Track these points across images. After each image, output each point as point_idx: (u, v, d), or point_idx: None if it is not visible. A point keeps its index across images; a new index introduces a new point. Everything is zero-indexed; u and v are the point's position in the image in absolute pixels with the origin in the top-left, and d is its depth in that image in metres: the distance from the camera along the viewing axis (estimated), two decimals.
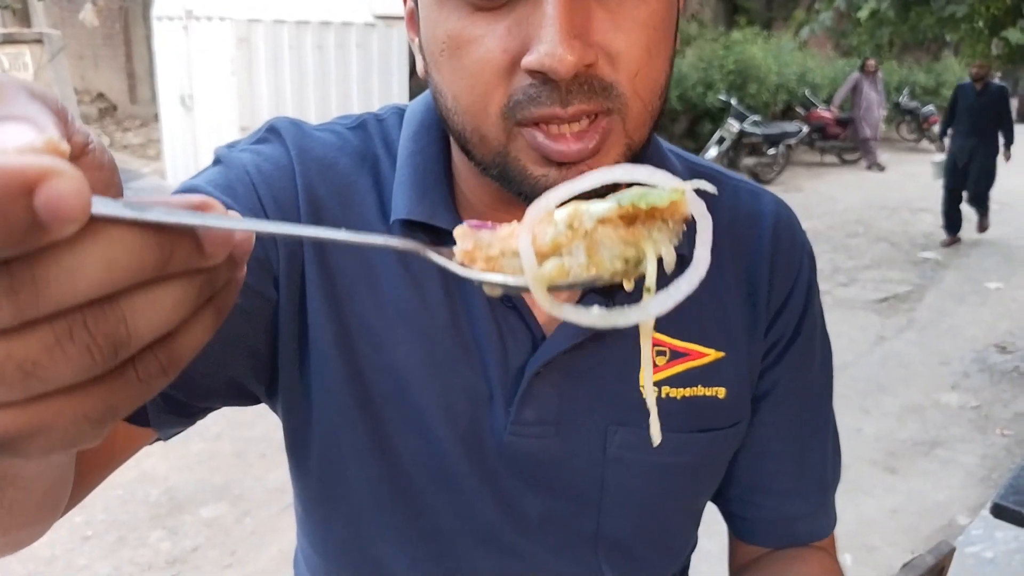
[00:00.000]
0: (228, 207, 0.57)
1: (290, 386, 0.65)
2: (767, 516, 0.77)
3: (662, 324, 0.66)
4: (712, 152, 9.90)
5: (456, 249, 0.35)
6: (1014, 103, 10.27)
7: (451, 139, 0.62)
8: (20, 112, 0.25)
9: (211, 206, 0.27)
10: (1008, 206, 9.66)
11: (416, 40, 0.59)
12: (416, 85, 7.33)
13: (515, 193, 0.56)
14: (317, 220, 0.62)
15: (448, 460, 0.65)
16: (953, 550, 1.38)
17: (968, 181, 7.58)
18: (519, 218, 0.58)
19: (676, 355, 0.66)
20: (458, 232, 0.36)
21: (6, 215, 0.21)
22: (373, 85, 6.47)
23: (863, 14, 4.83)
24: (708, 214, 0.37)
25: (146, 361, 0.26)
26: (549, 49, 0.48)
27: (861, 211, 9.19)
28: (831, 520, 0.80)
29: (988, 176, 7.63)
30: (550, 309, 0.35)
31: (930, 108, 13.80)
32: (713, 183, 0.69)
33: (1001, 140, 7.53)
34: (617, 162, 0.54)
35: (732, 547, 0.82)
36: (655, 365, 0.65)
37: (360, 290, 0.63)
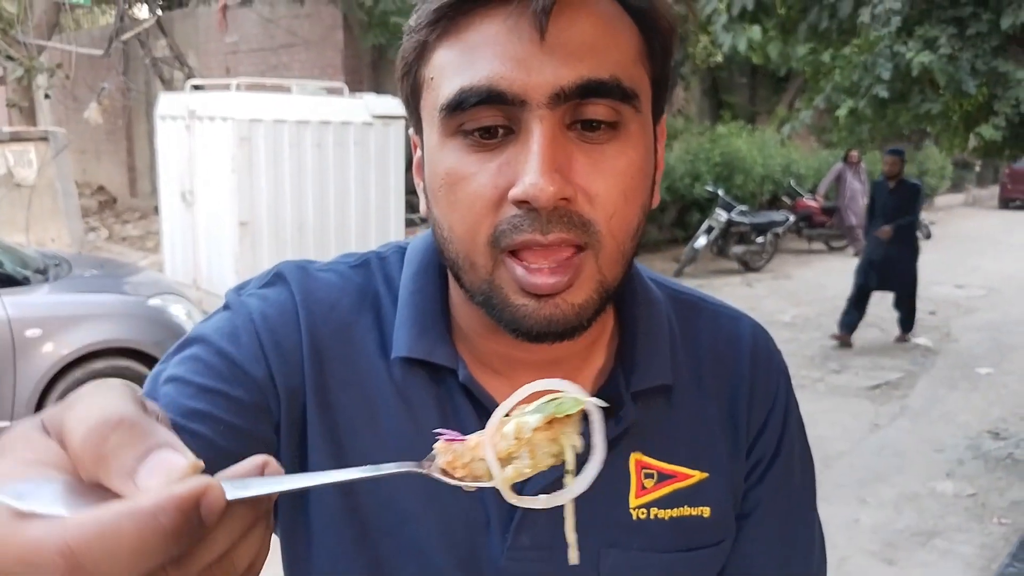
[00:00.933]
0: (232, 359, 0.63)
1: (291, 524, 0.68)
2: None
3: (650, 448, 0.69)
4: (701, 241, 10.08)
5: (437, 462, 0.48)
6: (994, 191, 10.59)
7: (448, 271, 0.67)
8: (163, 440, 0.34)
9: (270, 464, 0.37)
10: (996, 291, 9.81)
11: (421, 184, 0.65)
12: (410, 180, 7.52)
13: (497, 321, 0.59)
14: (319, 360, 0.65)
15: None
16: None
17: (892, 285, 7.27)
18: (505, 345, 0.65)
19: (663, 477, 0.69)
20: (438, 447, 0.48)
21: (190, 525, 0.32)
22: (370, 181, 6.63)
23: (841, 112, 5.02)
24: (601, 415, 0.48)
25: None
26: (532, 180, 0.53)
27: None
28: None
29: (909, 280, 7.25)
30: (514, 502, 0.48)
31: None
32: (693, 311, 0.76)
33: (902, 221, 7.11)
34: (590, 296, 0.58)
35: None
36: (643, 488, 0.68)
37: (359, 425, 0.65)
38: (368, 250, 0.75)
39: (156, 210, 9.34)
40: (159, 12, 10.05)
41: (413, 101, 0.63)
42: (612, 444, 0.67)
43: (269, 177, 6.07)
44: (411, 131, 0.67)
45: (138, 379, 4.77)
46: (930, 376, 6.54)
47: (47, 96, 9.48)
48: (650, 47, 0.60)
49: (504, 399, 0.65)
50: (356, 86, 9.38)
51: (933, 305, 8.96)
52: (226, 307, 0.68)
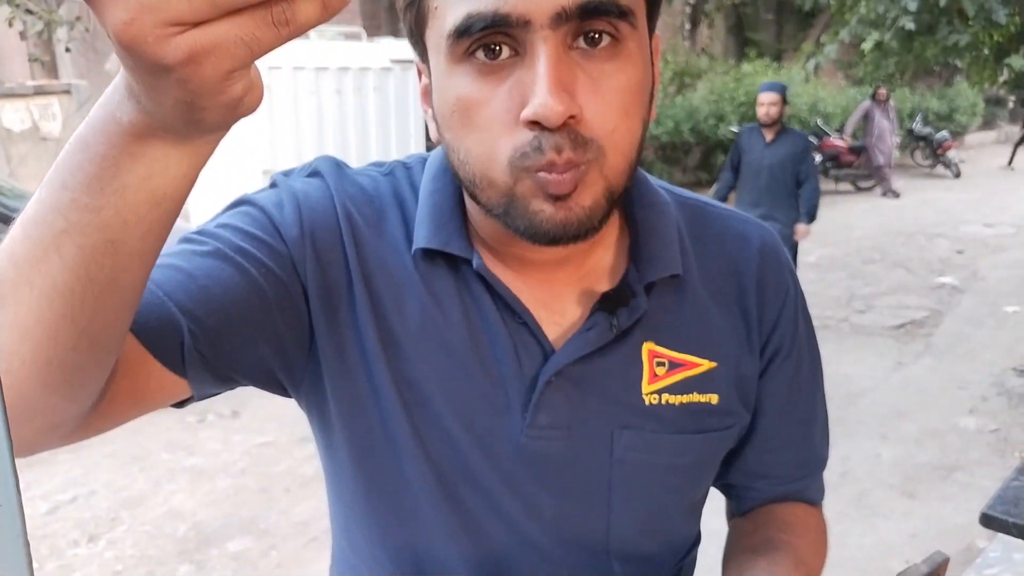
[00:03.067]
0: (274, 219, 0.69)
1: (342, 393, 0.72)
2: (766, 495, 0.87)
3: (661, 338, 0.74)
4: None
5: None
6: (1016, 129, 10.28)
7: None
8: None
9: None
10: None
11: (429, 111, 0.69)
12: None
13: (515, 230, 0.64)
14: (356, 244, 0.71)
15: (470, 461, 0.72)
16: (947, 560, 1.44)
17: None
18: (517, 247, 0.70)
19: (674, 365, 0.74)
20: None
21: None
22: (390, 126, 6.62)
23: (867, 46, 4.90)
24: None
25: (279, 7, 0.36)
26: (541, 100, 0.57)
27: (877, 238, 9.21)
28: (821, 492, 0.90)
29: None
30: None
31: (944, 134, 13.82)
32: (701, 215, 0.80)
33: (801, 209, 5.29)
34: (597, 200, 0.63)
35: (728, 507, 0.92)
36: (656, 375, 0.73)
37: (391, 308, 0.71)
38: (395, 159, 0.81)
39: None
40: None
41: (417, 31, 0.65)
42: (626, 333, 0.72)
43: (290, 125, 6.09)
44: (417, 60, 0.70)
45: None
46: (956, 315, 6.50)
47: (68, 49, 9.51)
48: None
49: (518, 291, 0.71)
50: (374, 31, 9.29)
51: (961, 244, 8.85)
52: (273, 184, 0.75)
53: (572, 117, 0.59)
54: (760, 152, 5.12)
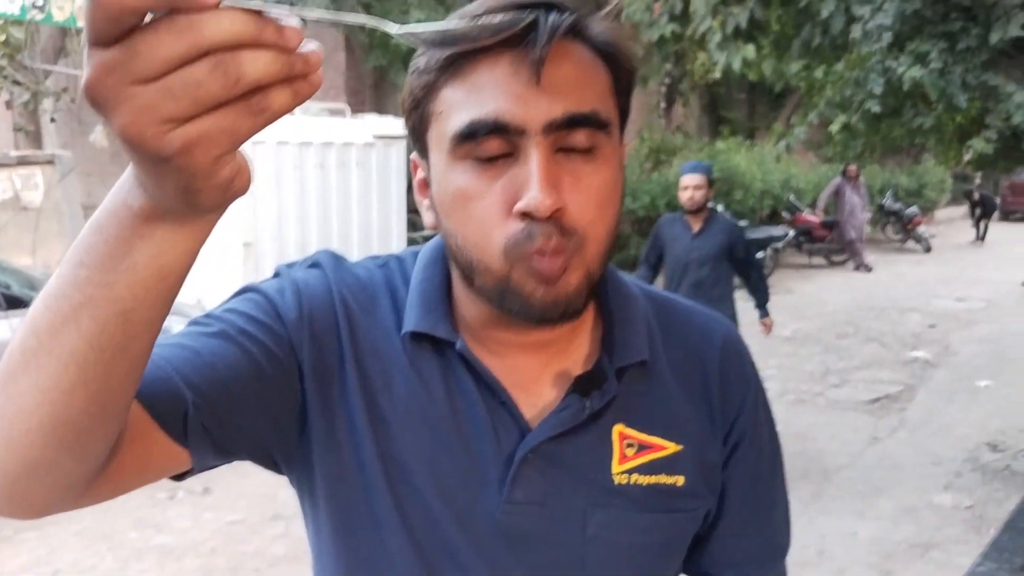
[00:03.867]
0: (275, 304, 0.75)
1: (328, 468, 0.77)
2: None
3: (631, 420, 0.79)
4: None
5: None
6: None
7: (453, 273, 0.78)
8: None
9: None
10: (996, 304, 9.84)
11: (426, 201, 0.76)
12: (412, 199, 7.60)
13: (509, 311, 0.71)
14: (351, 328, 0.77)
15: (449, 535, 0.76)
16: None
17: None
18: (502, 330, 0.76)
19: (642, 447, 0.79)
20: None
21: None
22: (372, 200, 6.71)
23: (835, 127, 5.09)
24: None
25: (254, 100, 0.42)
26: (534, 195, 0.65)
27: (850, 312, 9.35)
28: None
29: None
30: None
31: (914, 209, 14.20)
32: (668, 308, 0.86)
33: (754, 302, 4.88)
34: (581, 281, 0.70)
35: None
36: (625, 456, 0.78)
37: (380, 388, 0.76)
38: (389, 254, 0.88)
39: None
40: None
41: (420, 130, 0.73)
42: (598, 415, 0.77)
43: (272, 198, 6.15)
44: (414, 155, 0.77)
45: None
46: (929, 389, 6.57)
47: (53, 120, 9.60)
48: (617, 84, 0.73)
49: (498, 372, 0.76)
50: (358, 107, 9.49)
51: (933, 319, 9.00)
52: (277, 274, 0.81)
53: (558, 210, 0.67)
54: (686, 245, 4.37)
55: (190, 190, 0.45)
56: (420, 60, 0.71)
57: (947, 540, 4.06)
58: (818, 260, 12.67)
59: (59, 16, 8.44)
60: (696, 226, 4.38)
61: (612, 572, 0.79)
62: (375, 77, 10.60)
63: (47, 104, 8.94)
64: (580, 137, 0.68)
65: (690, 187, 4.27)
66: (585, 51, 0.70)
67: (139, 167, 0.45)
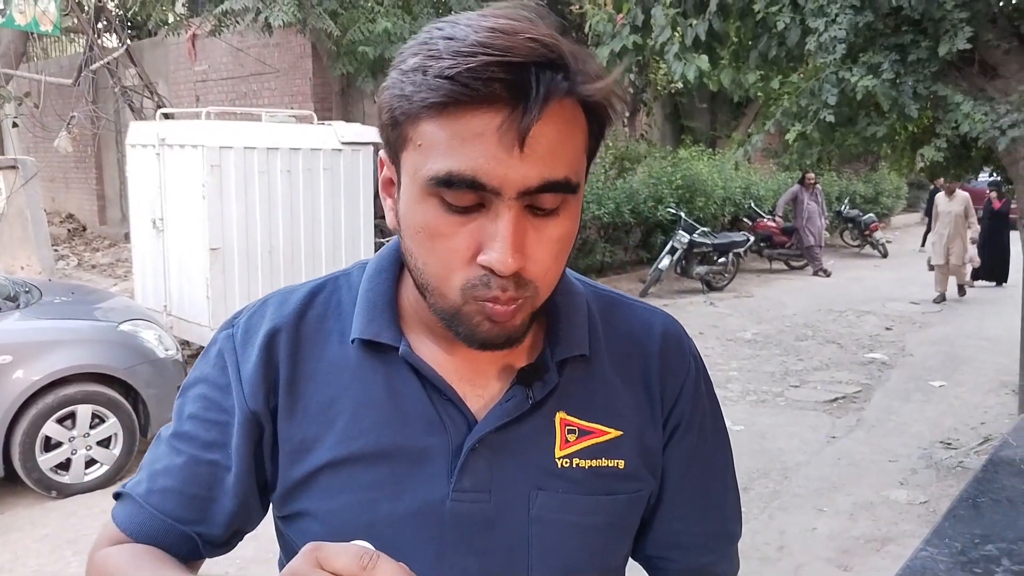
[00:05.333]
0: (221, 399, 0.84)
1: (282, 497, 0.85)
2: (682, 567, 0.95)
3: (572, 408, 0.83)
4: (665, 262, 10.30)
5: None
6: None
7: (407, 278, 0.83)
8: None
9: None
10: (949, 306, 10.13)
11: (389, 200, 0.79)
12: (379, 205, 7.62)
13: (454, 333, 0.75)
14: (292, 362, 0.84)
15: (400, 527, 0.81)
16: None
17: None
18: (455, 340, 0.81)
19: (583, 433, 0.84)
20: None
21: None
22: (340, 206, 6.73)
23: (791, 136, 5.23)
24: None
25: None
26: (499, 257, 0.69)
27: (809, 315, 9.55)
28: (736, 565, 0.98)
29: None
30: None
31: (871, 216, 14.54)
32: (612, 303, 0.94)
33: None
34: (526, 319, 0.75)
35: None
36: (567, 441, 0.83)
37: (319, 402, 0.83)
38: (339, 270, 0.93)
39: (126, 238, 9.34)
40: (128, 41, 10.10)
41: (394, 145, 0.74)
42: (540, 404, 0.83)
43: (240, 203, 6.15)
44: (382, 153, 0.78)
45: (108, 404, 4.76)
46: (885, 389, 6.76)
47: (15, 125, 9.46)
48: (592, 130, 0.74)
49: (445, 371, 0.82)
50: (325, 114, 9.50)
51: (889, 321, 9.25)
52: (219, 352, 0.87)
53: (520, 269, 0.71)
54: None
55: None
56: (406, 84, 0.69)
57: (903, 535, 4.20)
58: (778, 265, 12.92)
59: (20, 20, 8.33)
60: None
61: (558, 552, 0.83)
62: (342, 84, 10.60)
63: (9, 108, 8.81)
64: (549, 199, 0.70)
65: None
66: (570, 106, 0.70)
67: None
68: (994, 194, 11.24)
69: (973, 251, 10.55)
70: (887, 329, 8.91)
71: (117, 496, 0.89)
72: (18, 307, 4.80)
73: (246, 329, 0.86)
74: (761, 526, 4.21)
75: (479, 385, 0.82)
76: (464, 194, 0.69)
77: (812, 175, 12.31)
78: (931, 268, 10.59)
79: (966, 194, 10.49)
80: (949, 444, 5.48)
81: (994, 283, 11.36)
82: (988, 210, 11.36)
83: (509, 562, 0.82)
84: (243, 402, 0.82)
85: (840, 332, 8.74)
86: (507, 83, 0.66)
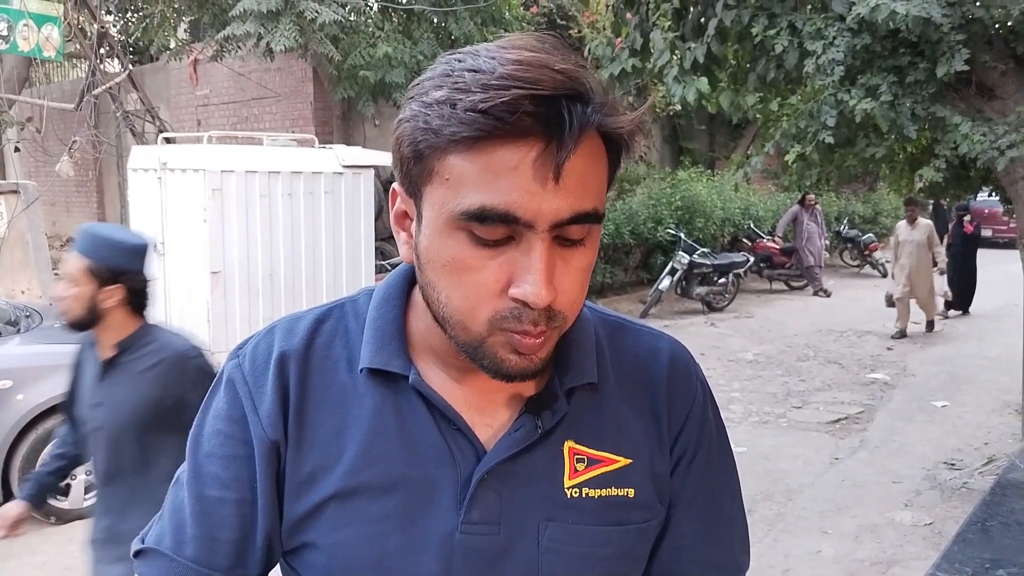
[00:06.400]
0: (235, 433, 0.82)
1: (292, 526, 0.83)
2: None
3: (581, 437, 0.83)
4: (665, 283, 10.31)
5: None
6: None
7: (419, 307, 0.82)
8: None
9: None
10: (951, 326, 10.12)
11: (403, 234, 0.78)
12: (382, 227, 7.64)
13: (479, 365, 0.75)
14: (301, 391, 0.82)
15: (409, 560, 0.80)
16: None
17: None
18: (462, 364, 0.80)
19: (592, 462, 0.83)
20: None
21: None
22: (341, 229, 6.74)
23: (790, 157, 5.25)
24: None
25: None
26: (534, 290, 0.69)
27: (810, 335, 9.54)
28: None
29: None
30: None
31: (870, 236, 14.56)
32: (619, 330, 0.93)
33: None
34: (551, 350, 0.75)
35: None
36: (576, 471, 0.82)
37: (326, 434, 0.81)
38: (346, 296, 0.92)
39: None
40: (130, 67, 10.18)
41: (415, 179, 0.72)
42: (549, 433, 0.82)
43: (241, 227, 6.16)
44: (396, 186, 0.77)
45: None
46: (888, 410, 6.74)
47: (17, 149, 9.50)
48: (612, 162, 0.75)
49: (454, 400, 0.81)
50: (326, 138, 9.55)
51: (890, 341, 9.23)
52: (229, 380, 0.85)
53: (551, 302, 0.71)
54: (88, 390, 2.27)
55: None
56: (432, 117, 0.68)
57: (908, 557, 4.17)
58: (778, 285, 12.93)
59: (24, 46, 8.40)
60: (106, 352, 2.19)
61: None
62: (343, 108, 10.67)
63: (11, 133, 8.85)
64: (577, 231, 0.71)
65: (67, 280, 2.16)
66: (595, 138, 0.71)
67: None
68: (967, 218, 10.56)
69: (942, 282, 9.80)
70: (888, 349, 8.90)
71: (139, 553, 0.86)
72: (19, 331, 4.80)
73: (253, 358, 0.84)
74: (766, 549, 4.19)
75: (488, 414, 0.82)
76: (496, 228, 0.69)
77: (812, 196, 12.35)
78: (890, 303, 9.63)
79: (929, 222, 9.78)
80: (953, 465, 5.46)
81: (960, 312, 10.70)
82: (958, 235, 10.62)
83: None
84: (261, 432, 0.81)
85: (841, 352, 8.72)
86: (538, 116, 0.66)
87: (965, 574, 1.83)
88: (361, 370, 0.81)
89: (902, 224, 9.78)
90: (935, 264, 9.44)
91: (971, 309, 10.73)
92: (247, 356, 0.85)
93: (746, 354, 8.48)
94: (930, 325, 9.74)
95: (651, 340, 0.91)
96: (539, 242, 0.69)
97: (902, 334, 9.45)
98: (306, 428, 0.82)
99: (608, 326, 0.90)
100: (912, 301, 9.44)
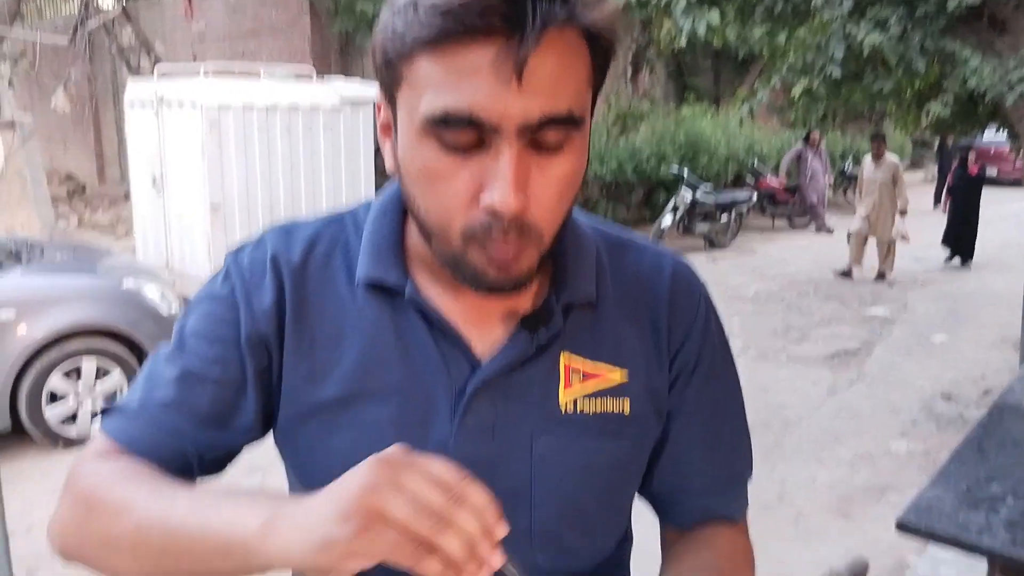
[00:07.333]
0: (227, 315, 0.81)
1: (286, 426, 0.84)
2: (688, 508, 0.93)
3: (577, 349, 0.82)
4: (667, 219, 10.27)
5: None
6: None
7: (410, 220, 0.81)
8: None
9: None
10: (952, 264, 10.11)
11: (387, 144, 0.78)
12: (381, 162, 7.59)
13: (459, 278, 0.74)
14: (299, 299, 0.82)
15: None
16: (867, 564, 1.56)
17: None
18: (460, 284, 0.80)
19: (587, 376, 0.82)
20: None
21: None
22: (340, 164, 6.70)
23: (797, 92, 5.19)
24: None
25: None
26: (501, 197, 0.66)
27: (811, 272, 9.54)
28: (743, 506, 0.96)
29: None
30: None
31: None
32: (621, 248, 0.92)
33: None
34: (532, 263, 0.73)
35: (661, 526, 0.97)
36: (570, 383, 0.82)
37: (327, 345, 0.81)
38: (346, 208, 0.91)
39: (126, 197, 9.32)
40: (124, 1, 9.98)
41: (390, 85, 0.72)
42: (545, 348, 0.81)
43: (240, 161, 6.12)
44: (379, 95, 0.76)
45: (113, 357, 4.76)
46: (887, 344, 6.78)
47: (11, 84, 9.37)
48: (596, 64, 0.71)
49: (450, 314, 0.81)
50: (324, 72, 9.41)
51: (891, 277, 9.24)
52: (226, 272, 0.85)
53: (523, 210, 0.68)
54: None
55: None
56: (397, 22, 0.67)
57: (903, 484, 4.23)
58: (781, 223, 12.88)
59: None
60: None
61: (561, 494, 0.82)
62: (340, 42, 10.49)
63: (4, 68, 8.73)
64: (552, 136, 0.68)
65: None
66: (571, 36, 0.68)
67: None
68: (972, 158, 9.78)
69: (901, 224, 9.06)
70: (889, 286, 8.90)
71: (104, 412, 0.84)
72: (19, 263, 4.81)
73: (252, 254, 0.84)
74: (762, 476, 4.24)
75: (484, 328, 0.81)
76: (462, 132, 0.66)
77: (816, 133, 12.21)
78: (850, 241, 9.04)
79: (895, 161, 9.13)
80: (949, 397, 5.52)
81: (960, 262, 9.93)
82: (962, 176, 9.95)
83: (512, 499, 0.81)
84: (250, 321, 0.81)
85: (842, 289, 8.74)
86: (503, 14, 0.63)
87: (961, 488, 1.87)
88: (359, 285, 0.81)
89: (867, 160, 9.27)
90: (901, 209, 8.94)
91: (973, 254, 10.09)
92: (247, 253, 0.85)
93: (747, 290, 8.49)
94: (881, 275, 9.15)
95: (654, 257, 0.90)
96: (507, 147, 0.66)
97: (847, 273, 9.03)
98: (305, 330, 0.82)
99: (611, 243, 0.89)
100: (873, 241, 9.01)
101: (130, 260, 5.79)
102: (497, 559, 0.61)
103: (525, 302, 0.82)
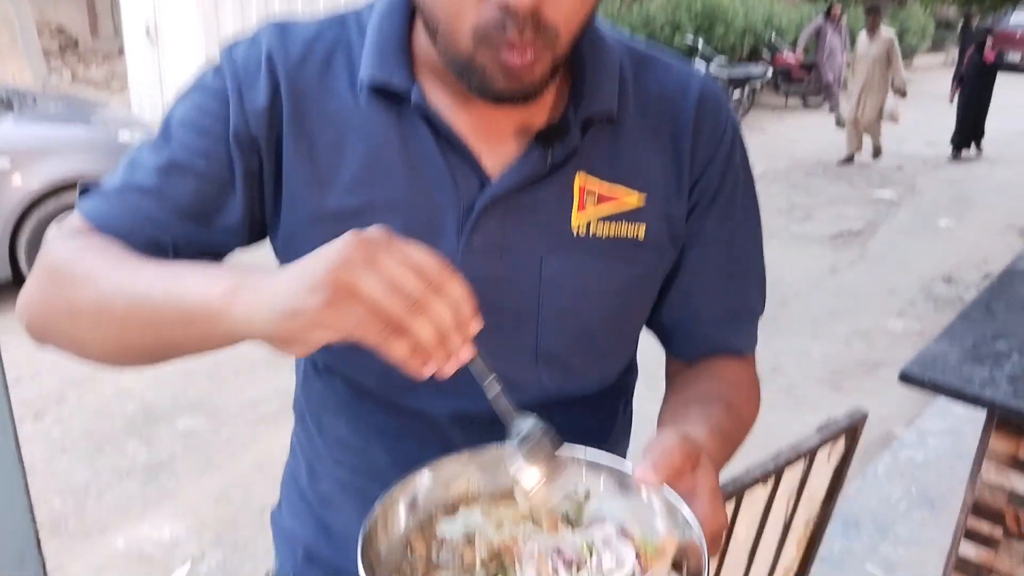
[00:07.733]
0: (217, 107, 0.76)
1: (284, 234, 0.79)
2: (697, 339, 0.90)
3: (593, 169, 0.77)
4: None
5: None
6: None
7: (418, 19, 0.74)
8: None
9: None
10: (957, 158, 9.92)
11: None
12: None
13: (466, 85, 0.68)
14: (297, 99, 0.76)
15: None
16: (866, 415, 1.56)
17: None
18: (464, 86, 0.73)
19: (603, 198, 0.78)
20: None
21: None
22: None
23: None
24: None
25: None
26: None
27: (821, 153, 9.38)
28: (753, 341, 0.93)
29: None
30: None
31: None
32: (647, 61, 0.84)
33: None
34: (545, 71, 0.67)
35: (668, 360, 0.95)
36: (584, 205, 0.78)
37: (330, 151, 0.76)
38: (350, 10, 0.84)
39: (120, 52, 9.03)
40: None
41: None
42: (559, 166, 0.76)
43: (236, 11, 5.88)
44: None
45: None
46: (891, 226, 6.73)
47: None
48: None
49: (458, 123, 0.75)
50: None
51: (901, 160, 9.09)
52: (218, 67, 0.78)
53: (538, 6, 0.63)
54: None
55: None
56: None
57: (896, 360, 4.24)
58: (794, 101, 12.55)
59: None
60: None
61: (568, 316, 0.80)
62: None
63: None
64: None
65: None
66: None
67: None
68: (989, 43, 9.20)
69: (894, 104, 8.71)
70: (898, 168, 8.77)
71: (82, 192, 0.80)
72: (12, 111, 4.68)
73: (247, 51, 0.77)
74: (757, 347, 4.30)
75: (495, 143, 0.76)
76: None
77: (838, 7, 11.69)
78: (839, 124, 8.46)
79: (891, 35, 8.60)
80: (950, 279, 5.52)
81: (972, 151, 9.58)
82: (977, 64, 9.38)
83: (518, 318, 0.79)
84: (240, 119, 0.75)
85: (851, 170, 8.61)
86: None
87: (967, 344, 1.86)
88: (362, 88, 0.75)
89: (862, 36, 8.77)
90: (894, 84, 8.50)
91: (983, 145, 9.68)
92: (241, 48, 0.78)
93: (755, 169, 8.35)
94: (877, 151, 8.94)
95: (682, 76, 0.83)
96: None
97: (850, 159, 8.79)
98: (303, 135, 0.76)
99: (636, 57, 0.82)
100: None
101: (125, 112, 5.65)
102: (467, 352, 0.60)
103: (540, 116, 0.77)
